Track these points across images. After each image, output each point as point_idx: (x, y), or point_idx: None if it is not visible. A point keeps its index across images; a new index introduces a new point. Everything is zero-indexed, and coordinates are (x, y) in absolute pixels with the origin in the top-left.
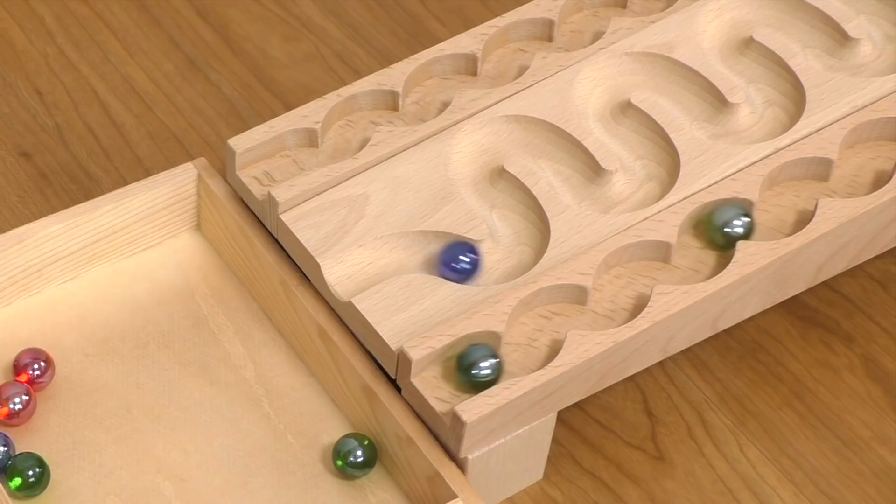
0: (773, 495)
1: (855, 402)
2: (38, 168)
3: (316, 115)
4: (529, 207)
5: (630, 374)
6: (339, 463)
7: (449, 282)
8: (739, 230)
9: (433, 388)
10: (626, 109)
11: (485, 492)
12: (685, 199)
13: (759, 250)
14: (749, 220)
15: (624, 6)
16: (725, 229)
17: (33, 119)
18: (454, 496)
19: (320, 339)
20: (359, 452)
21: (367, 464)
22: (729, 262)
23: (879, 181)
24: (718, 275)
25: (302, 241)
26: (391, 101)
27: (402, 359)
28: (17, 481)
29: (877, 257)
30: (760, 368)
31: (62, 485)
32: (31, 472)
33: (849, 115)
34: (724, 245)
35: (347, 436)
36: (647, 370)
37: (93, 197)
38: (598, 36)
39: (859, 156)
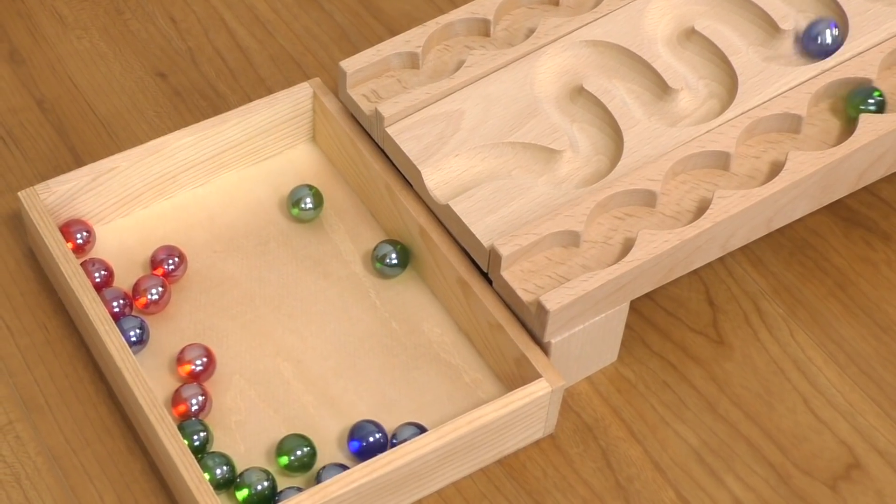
0: (819, 374)
1: (892, 293)
2: (173, 87)
3: (417, 40)
4: (605, 121)
5: (694, 268)
6: (378, 265)
7: (533, 186)
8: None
9: (520, 281)
10: (691, 35)
11: (565, 372)
12: (742, 114)
13: (807, 159)
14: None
15: None
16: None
17: (168, 43)
18: (538, 376)
19: (421, 237)
20: (393, 255)
21: (402, 265)
22: (782, 169)
23: None
24: (772, 181)
25: (405, 150)
26: (483, 28)
27: (494, 255)
28: None
29: None
30: (808, 263)
31: None
32: None
33: (886, 40)
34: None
35: (383, 241)
36: (708, 264)
37: (221, 112)
38: None
39: None
